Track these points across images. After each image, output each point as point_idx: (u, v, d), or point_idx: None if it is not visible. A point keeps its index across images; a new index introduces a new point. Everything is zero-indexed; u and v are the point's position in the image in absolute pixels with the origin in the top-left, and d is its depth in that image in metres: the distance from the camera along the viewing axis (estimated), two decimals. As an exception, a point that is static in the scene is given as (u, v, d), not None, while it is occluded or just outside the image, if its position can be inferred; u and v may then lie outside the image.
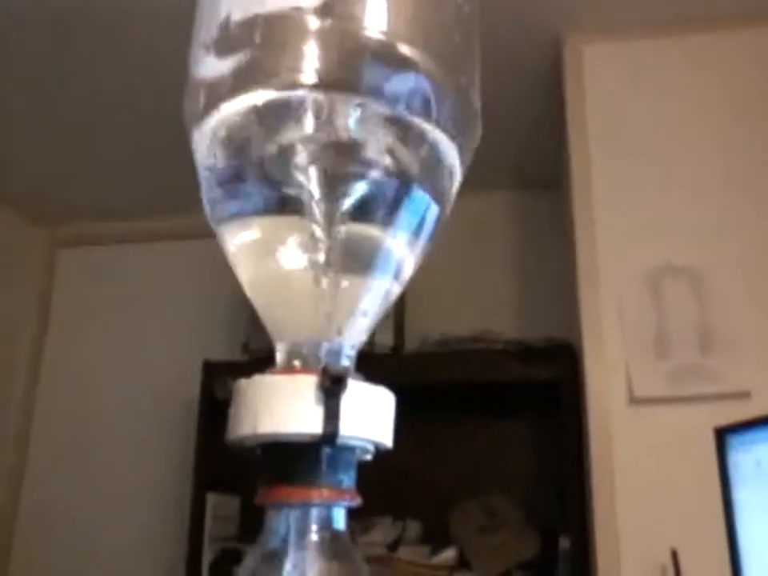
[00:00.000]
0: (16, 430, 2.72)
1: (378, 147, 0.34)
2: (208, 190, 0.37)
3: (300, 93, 0.34)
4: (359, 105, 0.34)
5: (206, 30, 0.38)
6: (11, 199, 2.72)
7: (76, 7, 1.82)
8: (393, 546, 2.12)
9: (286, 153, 0.34)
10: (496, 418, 2.28)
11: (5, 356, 2.73)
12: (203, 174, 0.37)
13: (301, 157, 0.34)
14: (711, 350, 1.58)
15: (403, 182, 0.36)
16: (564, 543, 1.95)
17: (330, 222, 0.34)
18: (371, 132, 0.34)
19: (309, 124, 0.34)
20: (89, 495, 2.58)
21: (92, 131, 2.34)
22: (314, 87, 0.34)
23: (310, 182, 0.34)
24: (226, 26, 0.37)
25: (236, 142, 0.36)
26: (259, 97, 0.34)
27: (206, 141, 0.36)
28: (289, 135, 0.34)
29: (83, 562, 2.52)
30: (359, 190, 0.35)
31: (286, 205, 0.35)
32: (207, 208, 0.37)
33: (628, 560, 1.56)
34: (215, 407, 2.24)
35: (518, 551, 2.10)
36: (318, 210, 0.34)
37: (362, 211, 0.35)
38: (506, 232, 2.46)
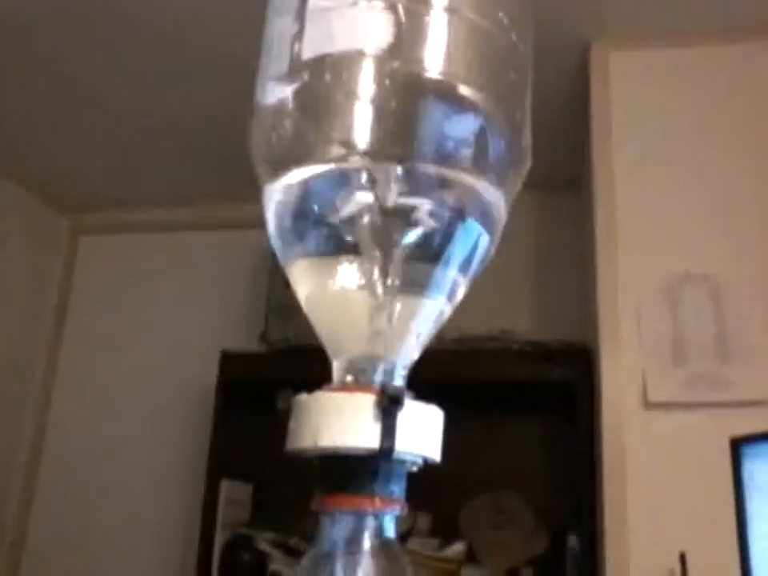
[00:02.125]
0: (36, 415, 2.76)
1: (428, 206, 0.38)
2: (277, 233, 0.40)
3: (358, 164, 0.38)
4: (411, 171, 0.38)
5: (275, 64, 0.40)
6: (36, 186, 2.76)
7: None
8: (403, 538, 2.15)
9: (347, 214, 0.38)
10: (511, 417, 2.29)
11: (24, 341, 2.77)
12: (273, 222, 0.40)
13: (359, 217, 0.38)
14: (728, 358, 1.59)
15: (451, 227, 0.39)
16: (573, 542, 1.97)
17: (386, 264, 0.38)
18: (421, 194, 0.38)
19: (366, 192, 0.38)
20: (105, 478, 2.62)
21: (117, 121, 2.36)
22: (371, 157, 0.38)
23: (367, 235, 0.38)
24: (295, 61, 0.39)
25: (302, 203, 0.40)
26: (321, 168, 0.38)
27: (276, 197, 0.40)
28: (349, 200, 0.38)
29: (98, 542, 2.57)
30: (412, 238, 0.39)
31: (348, 249, 0.39)
32: (276, 246, 0.40)
33: (636, 561, 1.58)
34: (231, 397, 2.27)
35: (526, 548, 2.13)
36: (375, 255, 0.38)
37: (416, 251, 0.39)
38: (526, 232, 2.47)
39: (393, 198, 0.38)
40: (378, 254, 0.38)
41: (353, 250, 0.39)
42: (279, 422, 0.40)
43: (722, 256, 1.69)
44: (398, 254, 0.38)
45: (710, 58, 1.83)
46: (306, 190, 0.39)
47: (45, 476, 2.72)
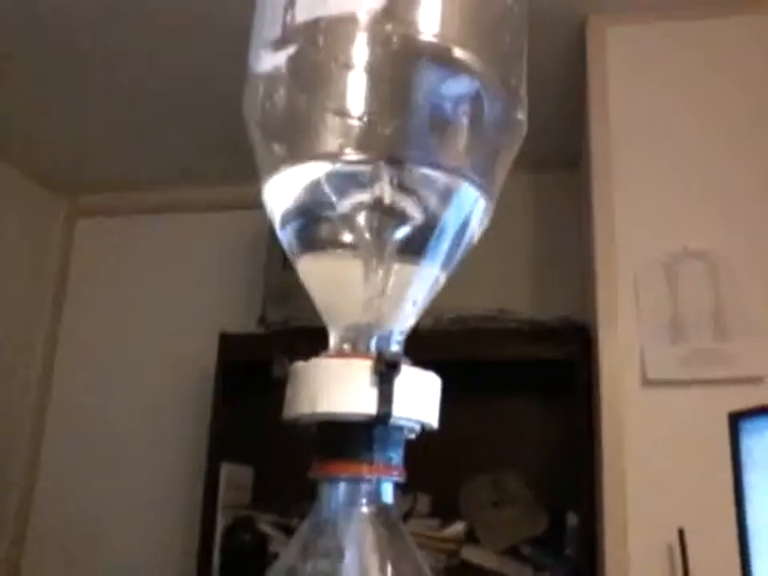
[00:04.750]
0: (35, 400, 2.76)
1: (418, 204, 0.40)
2: (282, 229, 0.42)
3: (355, 165, 0.39)
4: (400, 174, 0.39)
5: (269, 29, 0.40)
6: (32, 167, 2.74)
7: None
8: (403, 518, 2.16)
9: (344, 211, 0.40)
10: (509, 396, 2.30)
11: (23, 325, 2.77)
12: (277, 219, 0.42)
13: (354, 214, 0.40)
14: (726, 334, 1.60)
15: (445, 205, 0.40)
16: (572, 520, 1.98)
17: (381, 254, 0.40)
18: (411, 193, 0.39)
19: (361, 192, 0.39)
20: (105, 463, 2.63)
21: (114, 102, 2.35)
22: (368, 154, 0.39)
23: (364, 231, 0.40)
24: (289, 25, 0.39)
25: (300, 204, 0.41)
26: (316, 168, 0.40)
27: (274, 198, 0.42)
28: (346, 199, 0.40)
29: (98, 528, 2.58)
30: (407, 230, 0.40)
31: (345, 242, 0.41)
32: (283, 241, 0.42)
33: (635, 538, 1.58)
34: (230, 379, 2.27)
35: (526, 527, 2.14)
36: (371, 243, 0.40)
37: (411, 233, 0.40)
38: (523, 211, 2.46)
39: (389, 195, 0.39)
40: (374, 244, 0.39)
41: (350, 243, 0.40)
42: (276, 394, 0.40)
43: (720, 232, 1.69)
44: (393, 240, 0.40)
45: (708, 31, 1.82)
46: (303, 192, 0.40)
47: (45, 461, 2.73)
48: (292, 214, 0.41)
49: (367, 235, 0.39)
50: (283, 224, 0.41)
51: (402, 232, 0.39)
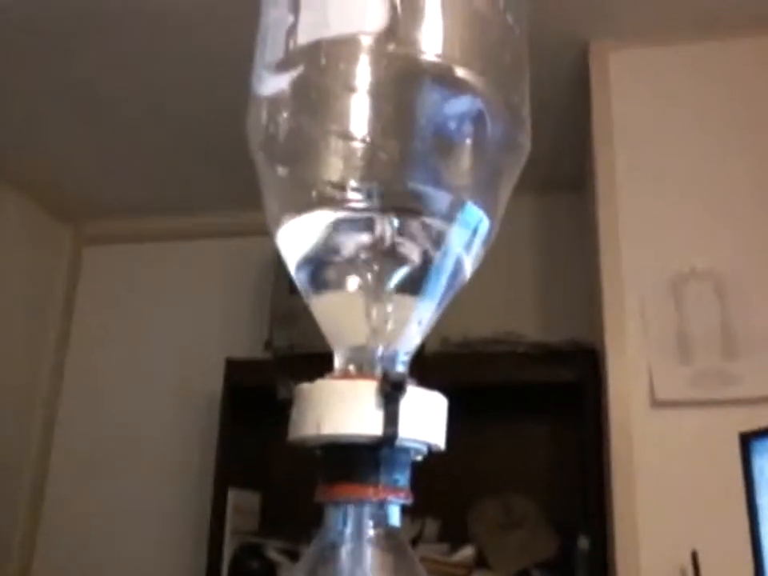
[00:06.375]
0: (41, 425, 2.76)
1: (417, 249, 0.40)
2: (296, 273, 0.43)
3: (361, 212, 0.40)
4: (402, 221, 0.40)
5: (271, 51, 0.40)
6: (38, 195, 2.76)
7: (108, 4, 1.85)
8: (412, 544, 2.13)
9: (348, 254, 0.41)
10: (518, 420, 2.29)
11: (30, 352, 2.77)
12: (290, 266, 0.43)
13: (357, 256, 0.40)
14: (734, 354, 1.59)
15: (445, 246, 0.41)
16: (583, 543, 1.96)
17: (383, 289, 0.40)
18: (410, 239, 0.40)
19: (362, 237, 0.40)
20: (111, 490, 2.61)
21: (119, 129, 2.37)
22: (372, 202, 0.39)
23: (365, 270, 0.40)
24: (291, 47, 0.39)
25: (311, 251, 0.42)
26: (322, 216, 0.40)
27: (284, 240, 0.42)
28: (346, 243, 0.41)
29: (105, 554, 2.56)
30: (402, 273, 0.41)
31: (350, 281, 0.41)
32: (297, 282, 0.43)
33: (647, 561, 1.56)
34: (237, 405, 2.26)
35: (536, 550, 2.11)
36: (374, 283, 0.40)
37: (411, 275, 0.41)
38: (530, 234, 2.46)
39: (390, 240, 0.39)
40: (376, 282, 0.40)
41: (355, 282, 0.41)
42: (282, 418, 0.40)
43: (726, 251, 1.68)
44: (394, 278, 0.40)
45: (711, 54, 1.83)
46: (310, 242, 0.41)
47: (52, 487, 2.71)
48: (303, 261, 0.41)
49: (370, 275, 0.39)
50: (297, 270, 0.42)
51: (403, 272, 0.40)
